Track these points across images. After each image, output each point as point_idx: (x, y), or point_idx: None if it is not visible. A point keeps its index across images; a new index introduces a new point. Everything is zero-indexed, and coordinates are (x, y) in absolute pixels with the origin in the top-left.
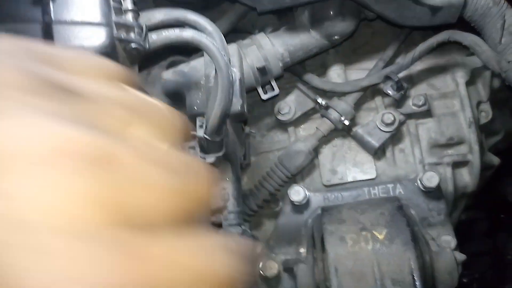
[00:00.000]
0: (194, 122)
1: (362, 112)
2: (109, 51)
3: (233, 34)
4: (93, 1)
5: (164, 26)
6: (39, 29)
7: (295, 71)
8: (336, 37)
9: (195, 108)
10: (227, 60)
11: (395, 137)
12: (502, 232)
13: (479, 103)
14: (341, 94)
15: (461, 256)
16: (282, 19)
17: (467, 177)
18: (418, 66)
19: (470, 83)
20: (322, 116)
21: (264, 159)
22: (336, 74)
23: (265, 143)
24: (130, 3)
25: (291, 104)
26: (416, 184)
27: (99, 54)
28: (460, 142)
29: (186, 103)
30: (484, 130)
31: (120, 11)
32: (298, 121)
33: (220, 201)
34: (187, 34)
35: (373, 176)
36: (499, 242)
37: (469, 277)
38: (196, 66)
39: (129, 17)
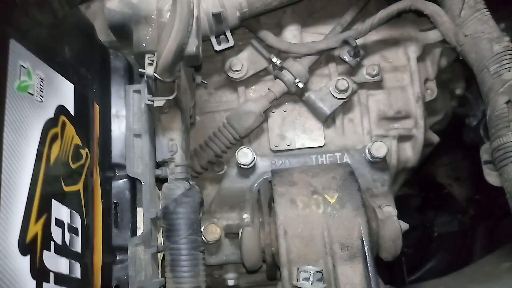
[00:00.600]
0: (141, 60)
1: (315, 77)
2: None
3: None
4: None
5: None
6: None
7: (250, 26)
8: None
9: (144, 45)
10: None
11: (346, 106)
12: (430, 210)
13: (426, 80)
14: (296, 56)
15: (404, 225)
16: None
17: (410, 152)
18: (373, 37)
19: (419, 59)
20: (275, 77)
21: (210, 119)
22: (291, 35)
23: (212, 102)
24: None
25: (244, 62)
26: (363, 154)
27: None
28: (406, 116)
29: (133, 38)
30: (427, 108)
31: None
32: (249, 81)
33: (167, 153)
34: None
35: (321, 144)
36: (427, 218)
37: None
38: None
39: None
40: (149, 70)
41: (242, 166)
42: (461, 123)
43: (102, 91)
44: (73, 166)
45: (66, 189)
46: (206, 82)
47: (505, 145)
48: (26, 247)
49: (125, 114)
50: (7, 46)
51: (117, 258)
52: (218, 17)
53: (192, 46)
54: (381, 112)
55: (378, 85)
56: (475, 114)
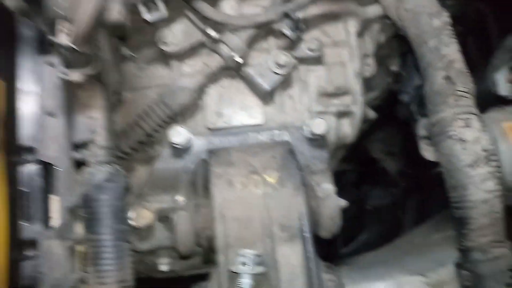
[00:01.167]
0: (54, 27)
1: (254, 52)
2: None
3: None
4: None
5: None
6: None
7: None
8: None
9: (57, 9)
10: None
11: (285, 83)
12: (365, 185)
13: (364, 55)
14: (234, 29)
15: (343, 202)
16: None
17: (348, 128)
18: (313, 11)
19: (358, 34)
20: (212, 51)
21: (141, 96)
22: (229, 6)
23: (142, 77)
24: None
25: (178, 34)
26: (302, 131)
27: None
28: (345, 93)
29: (44, 2)
30: (365, 84)
31: None
32: (183, 55)
33: (87, 133)
34: None
35: (260, 121)
36: (362, 193)
37: None
38: None
39: None
40: (63, 39)
41: (175, 145)
42: (394, 99)
43: (8, 64)
44: None
45: None
46: (134, 55)
47: (443, 120)
48: None
49: (36, 90)
50: None
51: (27, 253)
52: None
53: (115, 12)
54: (321, 88)
55: (318, 60)
56: (408, 90)
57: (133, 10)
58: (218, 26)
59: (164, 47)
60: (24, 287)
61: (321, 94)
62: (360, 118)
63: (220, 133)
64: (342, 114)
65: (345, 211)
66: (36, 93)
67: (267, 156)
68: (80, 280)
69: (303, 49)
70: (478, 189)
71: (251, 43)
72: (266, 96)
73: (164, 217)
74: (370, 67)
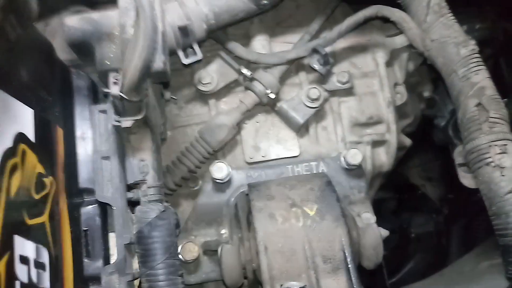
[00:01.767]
0: (105, 79)
1: (286, 87)
2: None
3: None
4: None
5: None
6: None
7: (217, 38)
8: (265, 1)
9: (107, 62)
10: (151, 2)
11: (318, 115)
12: (406, 212)
13: (395, 84)
14: (266, 66)
15: (384, 232)
16: None
17: (384, 157)
18: (341, 44)
19: (387, 64)
20: (246, 88)
21: (181, 134)
22: (260, 45)
23: (182, 116)
24: None
25: (213, 74)
26: (338, 162)
27: None
28: (378, 122)
29: (95, 57)
30: (397, 112)
31: None
32: (219, 94)
33: (138, 174)
34: None
35: (296, 153)
36: (404, 220)
37: None
38: (108, 14)
39: None
40: (114, 90)
41: (217, 180)
42: (429, 124)
43: (65, 113)
44: (36, 196)
45: (30, 222)
46: (176, 97)
47: (478, 147)
48: None
49: (91, 136)
50: None
51: None
52: (184, 31)
53: (159, 62)
54: (353, 118)
55: (349, 92)
56: (443, 115)
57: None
58: (251, 64)
59: (201, 87)
60: None
61: (354, 124)
62: (395, 146)
63: (258, 166)
64: (376, 143)
65: (388, 240)
66: (92, 139)
67: (305, 188)
68: None
69: (334, 82)
70: None
71: (283, 78)
72: (300, 129)
73: (209, 251)
74: (402, 95)
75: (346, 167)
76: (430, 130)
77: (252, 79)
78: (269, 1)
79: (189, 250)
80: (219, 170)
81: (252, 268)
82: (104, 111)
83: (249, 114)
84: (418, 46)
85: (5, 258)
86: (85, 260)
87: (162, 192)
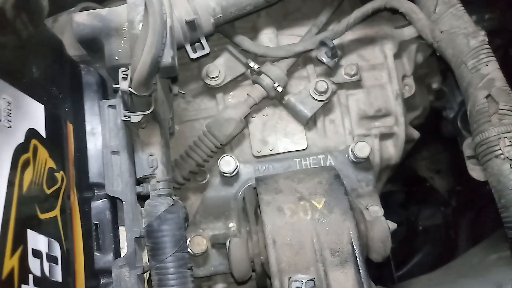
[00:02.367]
0: (115, 75)
1: (293, 80)
2: None
3: None
4: None
5: None
6: None
7: (225, 32)
8: None
9: (116, 58)
10: None
11: (326, 108)
12: (414, 204)
13: (403, 76)
14: (274, 60)
15: (392, 225)
16: None
17: (392, 149)
18: (349, 36)
19: (396, 56)
20: (254, 82)
21: (189, 128)
22: (267, 39)
23: (190, 110)
24: None
25: (221, 68)
26: (346, 155)
27: None
28: (387, 114)
29: (104, 52)
30: (406, 104)
31: None
32: (227, 87)
33: (147, 169)
34: None
35: (304, 147)
36: (411, 213)
37: None
38: (116, 10)
39: None
40: (123, 85)
41: (225, 174)
42: (438, 116)
43: (75, 109)
44: (48, 191)
45: (42, 216)
46: (183, 92)
47: (488, 139)
48: (3, 284)
49: (101, 131)
50: None
51: (101, 282)
52: (192, 25)
53: (168, 57)
54: (361, 111)
55: (357, 84)
56: (451, 106)
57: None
58: (258, 58)
59: (208, 82)
60: None
61: (362, 117)
62: (404, 138)
63: (265, 160)
64: (385, 136)
65: (396, 233)
66: (102, 134)
67: (313, 182)
68: None
69: (342, 75)
70: None
71: (290, 72)
72: (308, 122)
73: (217, 244)
74: (410, 87)
75: (354, 160)
76: (438, 122)
77: (259, 72)
78: None
79: (197, 243)
80: (227, 164)
81: (260, 261)
82: (113, 106)
83: (256, 107)
84: (427, 38)
85: (18, 252)
86: (96, 253)
87: (171, 186)
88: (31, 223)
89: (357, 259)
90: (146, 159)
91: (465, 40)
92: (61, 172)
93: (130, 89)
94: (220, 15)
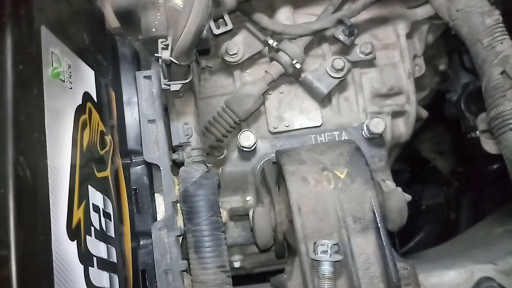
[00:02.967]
0: (151, 46)
1: (309, 58)
2: None
3: None
4: None
5: None
6: None
7: (243, 10)
8: None
9: (153, 30)
10: None
11: (340, 86)
12: (418, 184)
13: (414, 56)
14: (291, 37)
15: (408, 197)
16: None
17: (403, 127)
18: (363, 16)
19: (408, 36)
20: (272, 59)
21: (206, 105)
22: (285, 17)
23: (207, 87)
24: None
25: (239, 45)
26: (360, 131)
27: None
28: (399, 93)
29: (141, 24)
30: (415, 84)
31: None
32: (244, 65)
33: (183, 137)
34: None
35: (319, 123)
36: (416, 192)
37: None
38: None
39: None
40: (165, 54)
41: (244, 149)
42: (441, 98)
43: (115, 78)
44: (101, 152)
45: (98, 175)
46: (211, 66)
47: (503, 113)
48: (73, 232)
49: (136, 101)
50: (39, 33)
51: (141, 243)
52: (216, 1)
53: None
54: (374, 89)
55: (370, 63)
56: (455, 89)
57: None
58: (276, 35)
59: (227, 58)
60: (141, 272)
61: (375, 95)
62: (414, 117)
63: (281, 136)
64: (396, 114)
65: None
66: (138, 103)
67: (335, 153)
68: (186, 266)
69: (357, 53)
70: None
71: (306, 50)
72: (323, 100)
73: (236, 216)
74: (420, 67)
75: (369, 136)
76: (441, 104)
77: (277, 50)
78: None
79: None
80: (247, 138)
81: (282, 230)
82: (148, 77)
83: (273, 85)
84: (444, 16)
85: (83, 205)
86: (136, 216)
87: (204, 154)
88: (90, 180)
89: (379, 225)
90: (182, 127)
91: (481, 19)
92: (109, 136)
93: (171, 58)
94: None
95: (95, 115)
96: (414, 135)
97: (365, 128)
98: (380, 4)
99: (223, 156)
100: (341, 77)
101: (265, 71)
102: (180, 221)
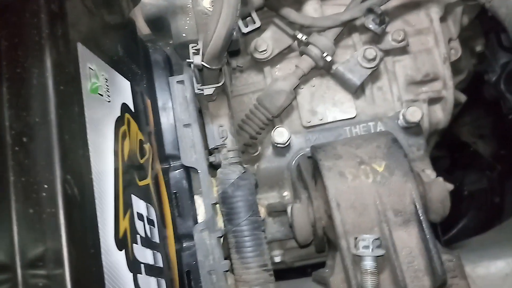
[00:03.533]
0: (183, 51)
1: (339, 49)
2: None
3: None
4: None
5: None
6: None
7: (271, 5)
8: None
9: (183, 35)
10: None
11: (373, 75)
12: (458, 170)
13: (449, 40)
14: (320, 30)
15: (450, 186)
16: None
17: (440, 114)
18: (393, 2)
19: (442, 19)
20: (301, 53)
21: (238, 103)
22: (313, 9)
23: (237, 85)
24: None
25: (268, 41)
26: (396, 121)
27: None
28: (435, 79)
29: (171, 30)
30: (452, 68)
31: None
32: (274, 61)
33: (218, 139)
34: None
35: (353, 115)
36: (456, 178)
37: None
38: None
39: None
40: (196, 59)
41: (278, 145)
42: (479, 80)
43: (149, 86)
44: (141, 161)
45: (140, 183)
46: (242, 66)
47: None
48: (120, 242)
49: (171, 106)
50: (76, 50)
51: (184, 245)
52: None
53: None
54: (409, 77)
55: (403, 50)
56: (493, 69)
57: None
58: (305, 29)
59: (257, 55)
60: (186, 273)
61: (410, 83)
62: (452, 102)
63: (315, 130)
64: (433, 100)
65: None
66: (173, 108)
67: (371, 146)
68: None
69: (389, 41)
70: None
71: (336, 41)
72: (356, 91)
73: (274, 212)
74: (456, 51)
75: (405, 125)
76: (479, 86)
77: (307, 43)
78: None
79: None
80: (280, 134)
81: (321, 225)
82: (181, 82)
83: (304, 79)
84: None
85: (128, 214)
86: (178, 219)
87: (240, 154)
88: (133, 189)
89: (421, 218)
90: (217, 130)
91: None
92: (148, 144)
93: (203, 63)
94: None
95: (133, 125)
96: (452, 120)
97: (401, 117)
98: None
99: (257, 153)
100: (373, 67)
101: (296, 66)
102: (220, 222)
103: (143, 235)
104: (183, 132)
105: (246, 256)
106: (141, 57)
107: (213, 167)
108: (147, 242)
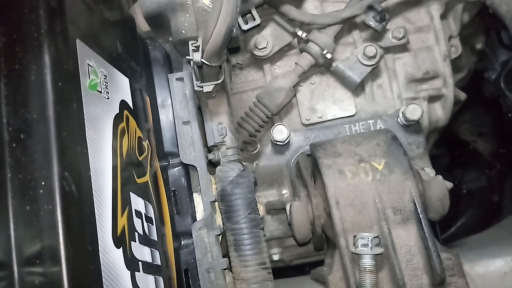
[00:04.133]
0: (182, 48)
1: (339, 47)
2: None
3: None
4: None
5: None
6: None
7: (271, 2)
8: None
9: (183, 32)
10: None
11: (373, 73)
12: (458, 168)
13: (450, 37)
14: (320, 27)
15: (449, 184)
16: None
17: (440, 112)
18: None
19: (442, 17)
20: (301, 50)
21: (237, 100)
22: (313, 6)
23: (237, 82)
24: None
25: (268, 39)
26: (396, 119)
27: None
28: (435, 76)
29: (171, 27)
30: (452, 66)
31: None
32: (273, 58)
33: (217, 137)
34: None
35: (352, 112)
36: (456, 176)
37: None
38: None
39: None
40: (196, 56)
41: (277, 143)
42: (478, 78)
43: (148, 82)
44: (140, 158)
45: (138, 181)
46: (241, 63)
47: None
48: (118, 239)
49: (170, 103)
50: (75, 47)
51: (182, 243)
52: None
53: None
54: (409, 74)
55: (403, 47)
56: (493, 67)
57: None
58: (305, 26)
59: (257, 53)
60: (184, 271)
61: (410, 80)
62: (452, 100)
63: (315, 128)
64: (433, 98)
65: None
66: (172, 106)
67: (371, 144)
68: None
69: (389, 38)
70: None
71: (336, 38)
72: (356, 88)
73: (272, 210)
74: (456, 48)
75: (405, 123)
76: (479, 84)
77: (307, 40)
78: None
79: None
80: (280, 132)
81: (320, 223)
82: (180, 79)
83: (304, 76)
84: None
85: (126, 212)
86: (176, 217)
87: (239, 152)
88: (131, 187)
89: (420, 216)
90: (216, 127)
91: None
92: (147, 141)
93: (203, 60)
94: None
95: (132, 122)
96: (452, 118)
97: (400, 115)
98: None
99: (256, 150)
100: (373, 65)
101: (295, 63)
102: (219, 220)
103: (141, 232)
104: (182, 129)
105: (244, 254)
106: (140, 54)
107: (212, 165)
108: (145, 240)
